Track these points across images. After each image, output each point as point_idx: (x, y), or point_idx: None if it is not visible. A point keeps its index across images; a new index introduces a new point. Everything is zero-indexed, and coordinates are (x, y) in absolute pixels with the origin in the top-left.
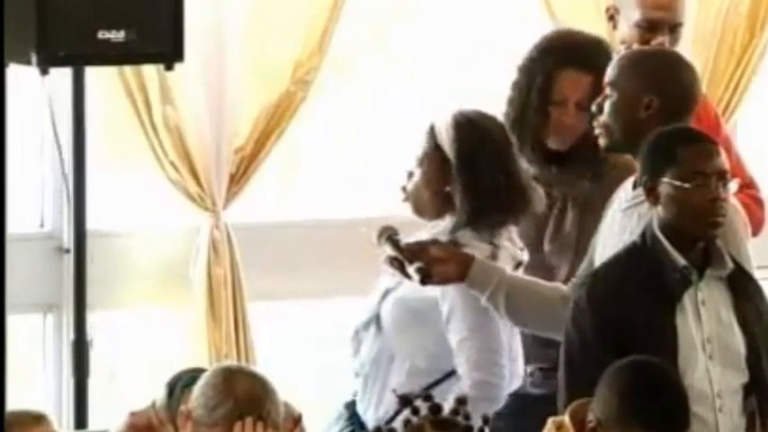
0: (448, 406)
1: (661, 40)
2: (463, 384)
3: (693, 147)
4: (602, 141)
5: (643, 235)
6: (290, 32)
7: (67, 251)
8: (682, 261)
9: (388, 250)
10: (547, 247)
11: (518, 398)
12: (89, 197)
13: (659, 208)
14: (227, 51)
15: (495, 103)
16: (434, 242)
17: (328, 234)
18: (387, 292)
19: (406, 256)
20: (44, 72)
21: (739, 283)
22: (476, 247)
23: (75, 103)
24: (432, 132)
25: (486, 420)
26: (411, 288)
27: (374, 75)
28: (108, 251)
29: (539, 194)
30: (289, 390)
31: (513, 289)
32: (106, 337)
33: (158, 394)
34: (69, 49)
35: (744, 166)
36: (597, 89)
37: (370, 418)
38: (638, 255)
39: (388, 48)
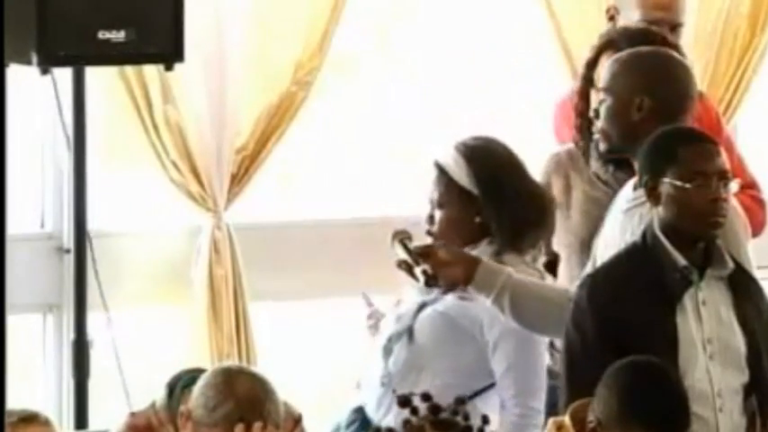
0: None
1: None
2: (508, 412)
3: (694, 147)
4: (601, 146)
5: (643, 235)
6: (290, 33)
7: (68, 251)
8: (682, 261)
9: (399, 253)
10: None
11: None
12: (89, 197)
13: (660, 208)
14: (228, 52)
15: (495, 103)
16: (442, 245)
17: (329, 234)
18: (424, 305)
19: (414, 258)
20: (44, 72)
21: (740, 282)
22: (522, 272)
23: (76, 103)
24: (442, 171)
25: (486, 420)
26: (457, 305)
27: (375, 75)
28: (108, 251)
29: (555, 201)
30: (289, 390)
31: (518, 291)
32: (105, 338)
33: (158, 394)
34: (69, 49)
35: (745, 167)
36: None
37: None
38: (639, 255)
39: (389, 48)
